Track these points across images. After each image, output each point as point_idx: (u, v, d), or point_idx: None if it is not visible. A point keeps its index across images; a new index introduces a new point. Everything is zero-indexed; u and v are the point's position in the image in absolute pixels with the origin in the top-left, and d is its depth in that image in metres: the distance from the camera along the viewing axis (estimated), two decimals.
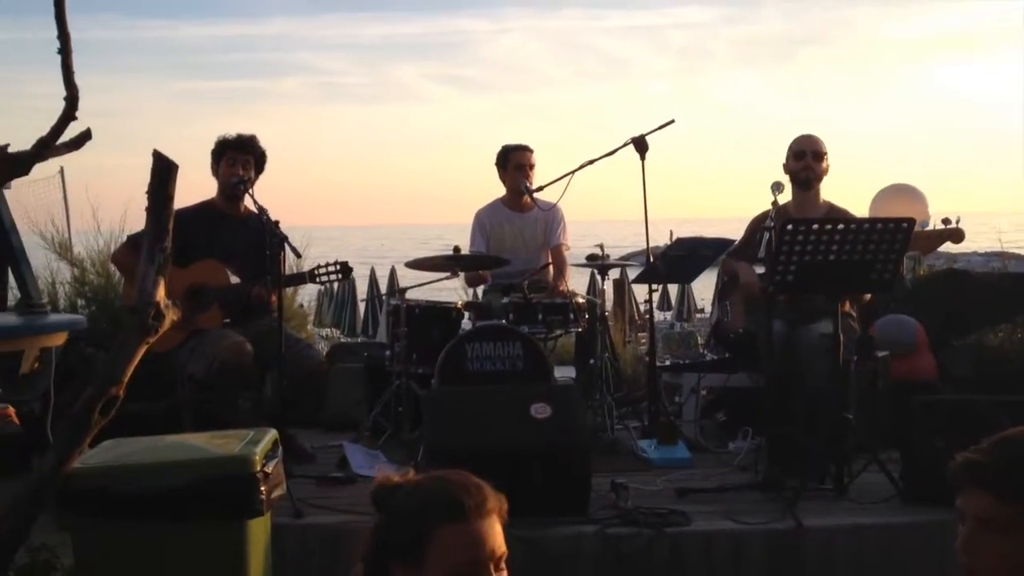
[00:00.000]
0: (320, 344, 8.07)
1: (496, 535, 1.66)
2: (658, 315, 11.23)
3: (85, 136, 2.38)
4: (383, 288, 11.85)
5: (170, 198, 2.39)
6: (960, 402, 4.11)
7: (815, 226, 3.99)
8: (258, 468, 2.76)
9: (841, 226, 3.99)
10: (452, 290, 6.66)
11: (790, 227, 3.98)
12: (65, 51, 2.30)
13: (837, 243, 3.97)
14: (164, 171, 2.38)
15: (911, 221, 4.02)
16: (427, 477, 1.74)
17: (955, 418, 3.85)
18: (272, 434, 3.02)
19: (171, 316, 2.40)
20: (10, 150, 2.32)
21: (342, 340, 9.65)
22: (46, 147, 2.30)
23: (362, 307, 12.35)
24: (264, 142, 5.01)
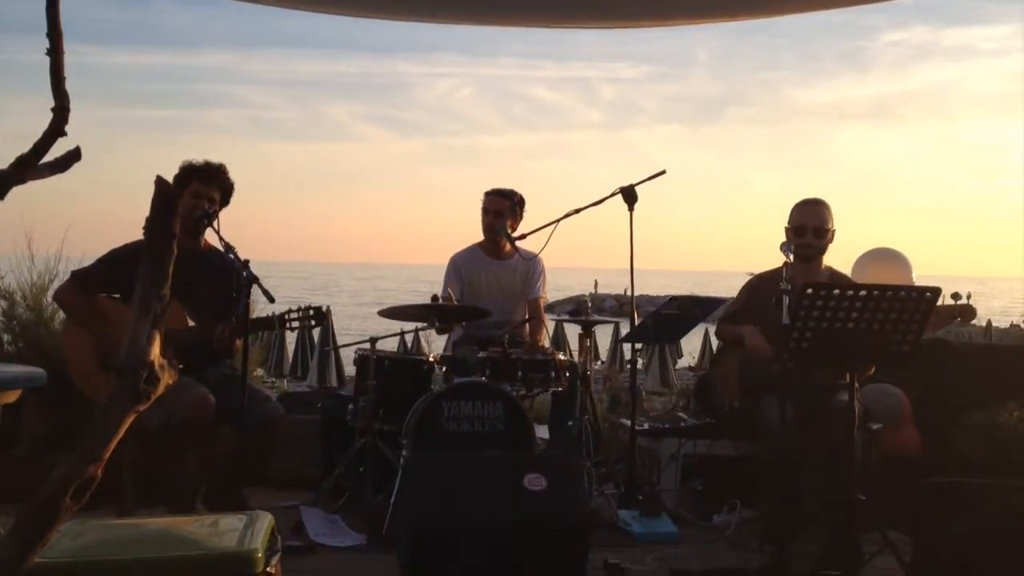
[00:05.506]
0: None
1: None
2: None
3: (74, 155, 1.91)
4: (316, 332, 11.14)
5: (173, 235, 1.95)
6: (978, 486, 3.84)
7: (835, 291, 3.71)
8: (261, 568, 2.27)
9: (863, 292, 3.71)
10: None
11: (809, 291, 3.69)
12: (55, 51, 1.85)
13: (857, 311, 3.68)
14: (167, 203, 1.95)
15: (936, 291, 3.77)
16: None
17: (973, 502, 3.60)
18: (268, 520, 2.53)
19: (167, 379, 1.97)
20: None
21: (287, 388, 9.05)
22: (27, 167, 1.83)
23: (291, 348, 11.74)
24: None
